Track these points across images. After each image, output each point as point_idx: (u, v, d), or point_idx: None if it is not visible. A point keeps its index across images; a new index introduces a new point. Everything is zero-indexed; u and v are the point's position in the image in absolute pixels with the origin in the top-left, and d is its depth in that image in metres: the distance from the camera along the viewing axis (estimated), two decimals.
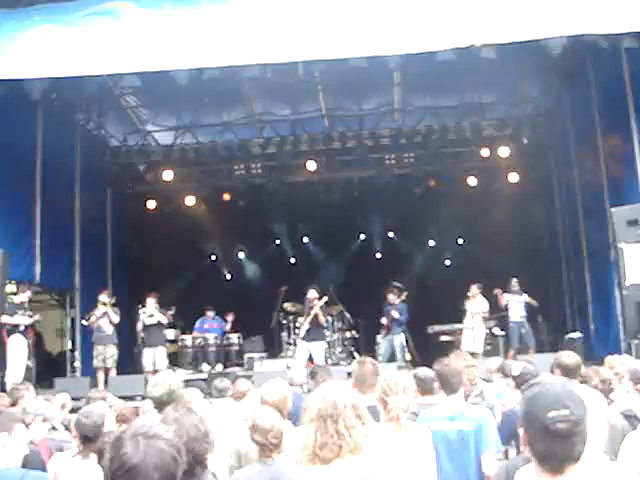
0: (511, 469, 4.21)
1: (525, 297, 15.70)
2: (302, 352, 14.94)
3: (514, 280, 15.78)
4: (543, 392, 2.41)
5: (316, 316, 14.90)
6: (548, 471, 2.36)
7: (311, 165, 19.37)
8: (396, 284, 16.94)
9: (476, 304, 15.54)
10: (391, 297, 16.08)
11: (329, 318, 16.61)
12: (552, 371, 6.28)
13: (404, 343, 15.76)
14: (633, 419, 4.83)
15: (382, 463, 3.58)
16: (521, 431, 2.48)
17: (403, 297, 16.17)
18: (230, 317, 17.78)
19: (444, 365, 5.84)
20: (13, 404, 7.32)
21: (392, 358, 15.28)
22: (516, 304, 15.66)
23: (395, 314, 15.75)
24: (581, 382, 6.17)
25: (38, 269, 14.85)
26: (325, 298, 15.53)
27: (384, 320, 16.02)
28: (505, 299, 15.69)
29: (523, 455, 4.31)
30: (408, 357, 15.31)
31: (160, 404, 5.62)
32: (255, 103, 17.88)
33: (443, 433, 5.27)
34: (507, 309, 15.70)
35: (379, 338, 16.47)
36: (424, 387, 6.38)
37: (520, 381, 6.36)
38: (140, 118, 18.86)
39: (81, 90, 14.64)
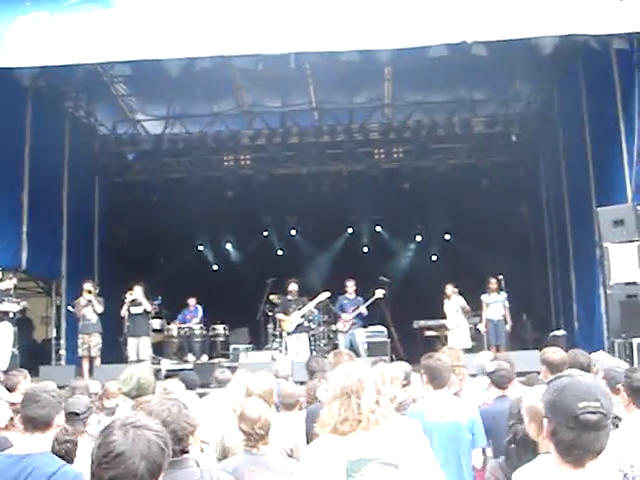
0: (503, 466, 4.29)
1: (504, 295, 15.71)
2: (292, 345, 15.06)
3: (492, 280, 15.78)
4: (574, 383, 2.46)
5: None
6: (570, 462, 2.41)
7: (301, 157, 19.45)
8: (382, 278, 16.97)
9: (454, 303, 15.61)
10: (351, 290, 16.09)
11: (315, 311, 16.68)
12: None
13: (364, 339, 15.72)
14: (614, 419, 4.85)
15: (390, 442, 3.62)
16: (545, 421, 2.52)
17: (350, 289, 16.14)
18: (192, 301, 17.83)
19: (435, 359, 5.89)
20: (11, 390, 7.33)
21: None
22: (494, 303, 15.71)
23: (363, 309, 15.70)
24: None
25: (25, 256, 14.78)
26: (327, 293, 15.62)
27: (345, 315, 15.91)
28: (483, 302, 15.76)
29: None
30: (368, 352, 15.21)
31: (131, 399, 5.67)
32: (246, 95, 17.87)
33: (435, 424, 5.32)
34: (487, 309, 15.76)
35: (339, 333, 16.26)
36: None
37: (494, 378, 6.43)
38: (130, 107, 18.79)
39: (71, 78, 14.57)
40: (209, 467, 3.80)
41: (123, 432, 2.39)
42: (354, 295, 15.97)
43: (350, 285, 16.04)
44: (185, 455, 3.53)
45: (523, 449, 3.90)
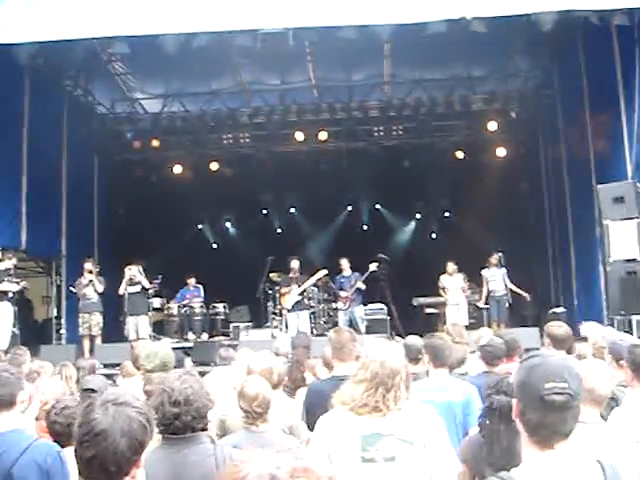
0: (473, 443, 4.31)
1: (504, 271, 15.78)
2: (292, 322, 15.12)
3: (494, 255, 15.84)
4: (543, 363, 2.42)
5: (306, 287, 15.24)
6: (537, 443, 2.38)
7: (299, 135, 19.39)
8: (381, 256, 17.00)
9: (455, 280, 15.65)
10: (346, 267, 16.14)
11: (314, 289, 16.73)
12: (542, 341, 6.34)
13: (363, 316, 15.80)
14: (612, 400, 4.85)
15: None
16: (514, 401, 2.50)
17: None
18: (192, 280, 17.84)
19: (438, 338, 5.90)
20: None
21: None
22: (496, 278, 15.76)
23: (360, 284, 15.79)
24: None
25: (24, 236, 14.77)
26: (324, 271, 15.67)
27: (343, 293, 16.01)
28: (484, 276, 15.82)
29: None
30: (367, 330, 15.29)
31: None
32: (244, 72, 17.76)
33: (431, 403, 5.34)
34: (488, 284, 15.82)
35: (339, 311, 16.38)
36: (409, 356, 6.47)
37: (483, 352, 6.43)
38: (128, 85, 18.72)
39: (69, 56, 14.44)
40: (222, 444, 3.81)
41: (103, 410, 2.39)
42: (350, 272, 16.07)
43: (344, 263, 16.17)
44: (200, 432, 3.54)
45: (499, 421, 3.87)
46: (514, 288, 16.04)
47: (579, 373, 2.45)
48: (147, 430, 2.45)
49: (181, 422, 3.46)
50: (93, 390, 5.46)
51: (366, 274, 15.95)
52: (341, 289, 16.03)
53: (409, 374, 3.88)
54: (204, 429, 3.57)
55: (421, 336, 6.46)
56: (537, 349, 7.04)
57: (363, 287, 15.88)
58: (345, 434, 3.64)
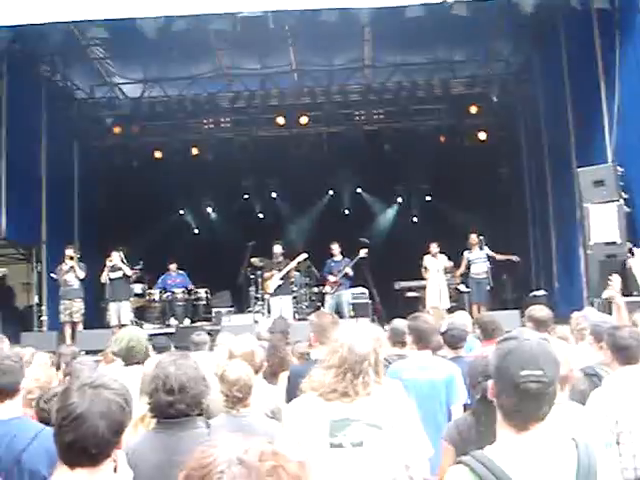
0: (461, 425, 4.34)
1: (486, 251, 15.80)
2: (275, 307, 15.11)
3: (472, 236, 15.84)
4: (519, 348, 2.39)
5: (289, 271, 15.19)
6: (512, 427, 2.38)
7: (280, 120, 19.36)
8: (362, 239, 17.02)
9: (438, 261, 15.68)
10: (337, 252, 16.18)
11: (297, 273, 16.74)
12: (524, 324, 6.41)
13: (350, 300, 15.84)
14: (594, 377, 4.91)
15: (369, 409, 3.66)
16: (490, 382, 2.49)
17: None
18: (173, 266, 17.80)
19: (422, 321, 5.93)
20: None
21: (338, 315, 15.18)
22: (477, 260, 15.79)
23: (349, 271, 15.82)
24: None
25: (4, 223, 14.65)
26: (304, 255, 15.67)
27: (332, 277, 16.06)
28: (465, 258, 15.84)
29: (467, 413, 4.46)
30: (352, 314, 15.31)
31: (123, 359, 5.70)
32: (224, 57, 17.65)
33: (414, 381, 5.37)
34: (469, 267, 15.85)
35: (327, 295, 16.39)
36: (394, 339, 6.50)
37: (446, 338, 6.50)
38: (107, 70, 18.55)
39: (46, 41, 14.29)
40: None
41: (80, 393, 2.40)
42: (340, 257, 16.10)
43: (335, 248, 16.18)
44: (195, 417, 3.51)
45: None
46: (501, 257, 16.04)
47: (556, 357, 2.43)
48: (125, 411, 2.47)
49: (175, 410, 3.41)
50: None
51: (355, 259, 15.96)
52: (330, 273, 16.04)
53: (379, 358, 3.87)
54: (200, 414, 3.54)
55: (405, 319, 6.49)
56: None
57: (351, 273, 15.89)
58: (314, 420, 3.63)
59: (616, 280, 6.98)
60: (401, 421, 3.73)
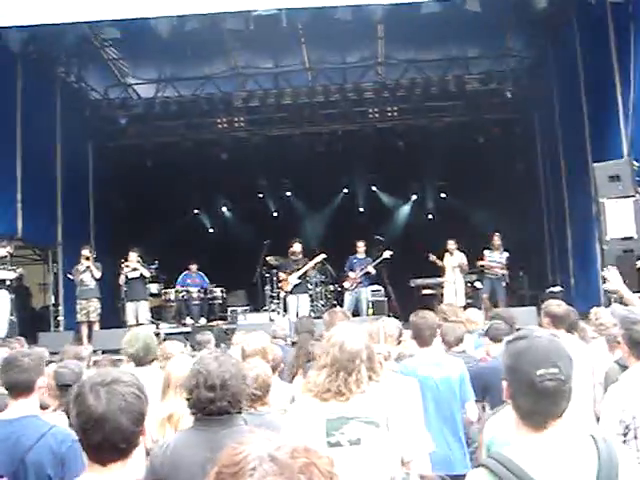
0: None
1: (506, 256, 15.70)
2: (292, 305, 15.11)
3: (496, 236, 15.78)
4: (531, 347, 2.36)
5: (306, 270, 15.24)
6: (530, 426, 2.36)
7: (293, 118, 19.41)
8: (378, 237, 16.99)
9: (455, 258, 15.62)
10: (361, 250, 16.15)
11: (312, 272, 16.75)
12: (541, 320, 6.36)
13: (369, 297, 15.82)
14: (627, 368, 4.83)
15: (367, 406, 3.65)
16: (504, 384, 2.45)
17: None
18: (193, 266, 17.82)
19: (420, 317, 5.90)
20: None
21: (356, 313, 15.18)
22: (494, 263, 15.70)
23: (371, 269, 15.79)
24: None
25: (20, 224, 14.73)
26: (323, 255, 15.67)
27: (352, 274, 16.03)
28: (486, 257, 15.73)
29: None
30: (370, 312, 15.28)
31: (137, 360, 5.66)
32: (237, 56, 17.68)
33: (428, 380, 5.37)
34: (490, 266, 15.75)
35: (345, 291, 16.35)
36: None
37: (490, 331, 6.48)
38: (121, 71, 18.62)
39: (61, 42, 14.39)
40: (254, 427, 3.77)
41: (95, 394, 2.41)
42: (364, 255, 16.07)
43: (360, 245, 16.14)
44: (236, 414, 3.48)
45: None
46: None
47: (569, 353, 2.40)
48: (142, 399, 2.49)
49: (216, 407, 3.38)
50: (69, 385, 5.42)
51: (378, 260, 15.95)
52: (351, 270, 16.02)
53: (373, 355, 3.85)
54: (239, 412, 3.51)
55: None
56: None
57: (373, 272, 15.86)
58: (311, 421, 3.63)
59: (613, 272, 6.85)
60: (399, 417, 3.72)
